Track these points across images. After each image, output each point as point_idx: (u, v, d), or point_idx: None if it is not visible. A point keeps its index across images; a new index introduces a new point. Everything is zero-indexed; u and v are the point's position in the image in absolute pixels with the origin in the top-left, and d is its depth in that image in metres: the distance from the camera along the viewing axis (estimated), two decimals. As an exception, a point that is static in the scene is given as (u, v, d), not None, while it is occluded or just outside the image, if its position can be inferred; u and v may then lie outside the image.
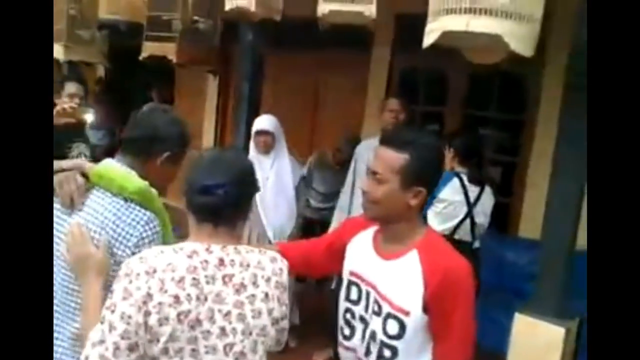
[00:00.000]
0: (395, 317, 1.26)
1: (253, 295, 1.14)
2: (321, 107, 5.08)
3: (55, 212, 1.35)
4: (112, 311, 1.05)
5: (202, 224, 1.15)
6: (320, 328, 3.13)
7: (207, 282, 1.09)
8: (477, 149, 2.88)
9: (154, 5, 3.17)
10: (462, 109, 4.20)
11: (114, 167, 1.35)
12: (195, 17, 3.04)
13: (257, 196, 2.94)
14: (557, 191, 2.13)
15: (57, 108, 2.34)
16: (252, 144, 3.08)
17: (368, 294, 1.34)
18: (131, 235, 1.27)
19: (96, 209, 1.30)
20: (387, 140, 1.32)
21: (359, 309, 1.37)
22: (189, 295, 1.06)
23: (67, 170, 1.37)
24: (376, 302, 1.31)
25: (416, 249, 1.27)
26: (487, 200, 2.79)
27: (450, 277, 1.23)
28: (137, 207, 1.30)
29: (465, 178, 2.74)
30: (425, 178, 1.28)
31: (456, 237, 2.70)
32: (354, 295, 1.39)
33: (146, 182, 1.34)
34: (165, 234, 1.38)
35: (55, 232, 1.34)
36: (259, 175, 3.02)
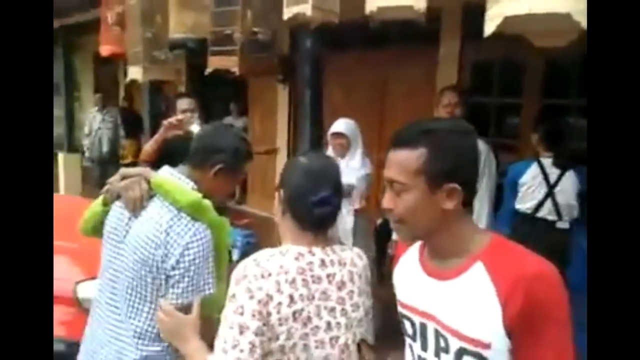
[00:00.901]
0: (472, 353, 0.98)
1: (351, 291, 1.23)
2: (389, 105, 5.00)
3: (118, 215, 1.43)
4: (241, 313, 1.09)
5: (305, 229, 1.21)
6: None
7: (314, 282, 1.17)
8: (562, 135, 3.04)
9: (217, 20, 3.29)
10: (541, 99, 3.93)
11: (171, 178, 1.42)
12: (255, 29, 3.11)
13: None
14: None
15: (165, 122, 2.46)
16: (329, 146, 3.14)
17: (424, 327, 1.09)
18: (178, 244, 1.33)
19: (153, 216, 1.37)
20: (397, 139, 1.05)
21: (416, 349, 1.13)
22: (300, 294, 1.14)
23: (133, 176, 1.45)
24: (439, 336, 1.05)
25: (481, 261, 0.99)
26: (569, 184, 2.92)
27: (534, 287, 0.93)
28: (188, 218, 1.35)
29: (548, 162, 2.97)
30: (455, 170, 1.00)
31: (538, 215, 2.96)
32: (408, 331, 1.16)
33: (199, 195, 1.39)
34: (219, 243, 1.42)
35: (117, 235, 1.42)
36: None
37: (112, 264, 1.47)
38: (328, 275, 1.19)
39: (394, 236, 3.33)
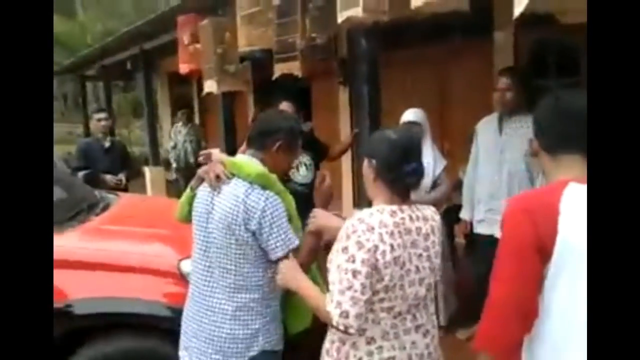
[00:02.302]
0: None
1: (434, 241, 1.51)
2: (447, 99, 5.12)
3: (203, 196, 1.79)
4: (353, 261, 1.37)
5: (396, 193, 1.48)
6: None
7: (406, 234, 1.44)
8: None
9: (280, 31, 3.61)
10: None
11: (242, 158, 1.74)
12: (313, 35, 3.40)
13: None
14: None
15: None
16: None
17: None
18: (256, 208, 1.65)
19: (231, 191, 1.70)
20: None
21: None
22: (398, 244, 1.41)
23: (211, 164, 1.80)
24: None
25: None
26: None
27: None
28: (259, 189, 1.66)
29: None
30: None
31: None
32: None
33: (265, 169, 1.69)
34: (288, 204, 1.73)
35: (204, 212, 1.77)
36: None
37: (203, 238, 1.80)
38: (416, 228, 1.46)
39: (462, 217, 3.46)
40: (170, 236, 2.58)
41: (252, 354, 1.72)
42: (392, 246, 1.39)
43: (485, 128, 3.15)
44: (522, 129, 2.93)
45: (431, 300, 1.54)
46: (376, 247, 1.37)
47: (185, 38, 4.81)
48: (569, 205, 1.20)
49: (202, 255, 1.81)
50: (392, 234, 1.40)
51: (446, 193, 3.24)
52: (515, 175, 2.92)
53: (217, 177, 1.75)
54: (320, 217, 1.65)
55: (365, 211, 1.46)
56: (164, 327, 2.16)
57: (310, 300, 1.51)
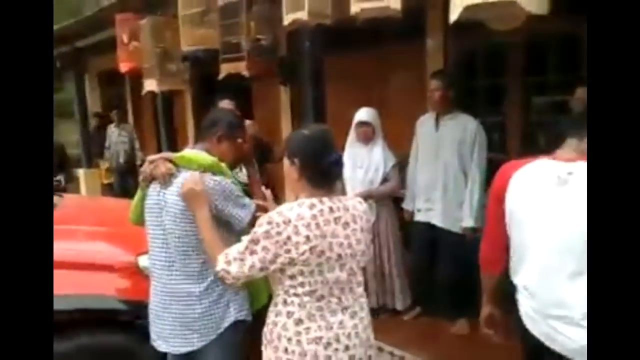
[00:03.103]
0: None
1: (354, 230, 1.60)
2: (386, 100, 5.37)
3: (154, 193, 1.87)
4: (256, 243, 1.53)
5: (319, 187, 1.59)
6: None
7: (325, 224, 1.54)
8: None
9: (225, 32, 3.69)
10: (522, 78, 4.31)
11: (192, 152, 1.88)
12: (259, 36, 3.52)
13: (348, 184, 3.31)
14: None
15: None
16: (351, 134, 3.40)
17: None
18: (213, 191, 1.77)
19: (182, 181, 1.80)
20: None
21: None
22: (315, 235, 1.51)
23: (157, 160, 1.88)
24: None
25: None
26: None
27: None
28: (210, 174, 1.80)
29: None
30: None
31: None
32: None
33: (215, 159, 1.84)
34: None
35: (157, 208, 1.86)
36: (352, 163, 3.32)
37: (160, 232, 1.88)
38: (335, 219, 1.57)
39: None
40: (123, 233, 2.59)
41: (226, 324, 1.83)
42: (307, 237, 1.50)
43: (423, 125, 3.40)
44: (455, 126, 3.19)
45: (358, 284, 1.64)
46: (289, 238, 1.49)
47: (124, 36, 4.75)
48: (522, 171, 1.63)
49: (162, 249, 1.88)
50: (308, 225, 1.51)
51: (394, 188, 3.42)
52: (449, 167, 3.17)
53: (165, 172, 1.84)
54: (189, 181, 1.76)
55: (286, 205, 1.57)
56: (124, 321, 2.19)
57: (207, 236, 1.69)
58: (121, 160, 7.12)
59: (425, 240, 3.34)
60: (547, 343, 1.56)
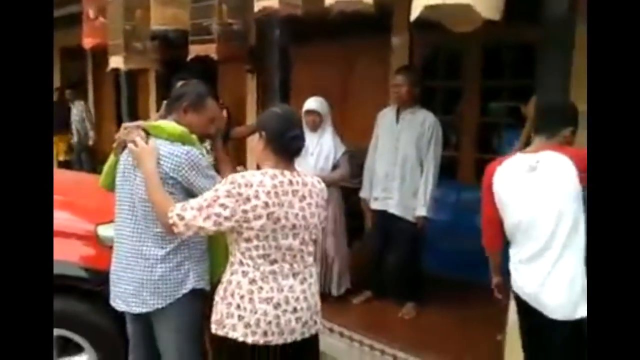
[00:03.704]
0: None
1: (310, 204, 1.74)
2: (350, 91, 5.52)
3: (125, 160, 1.95)
4: (215, 199, 1.63)
5: (281, 159, 1.72)
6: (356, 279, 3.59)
7: (284, 194, 1.67)
8: None
9: (195, 14, 3.71)
10: (479, 81, 4.54)
11: (162, 122, 1.95)
12: (230, 20, 3.57)
13: (299, 168, 3.40)
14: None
15: None
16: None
17: None
18: (180, 161, 1.85)
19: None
20: None
21: None
22: (273, 202, 1.64)
23: (130, 127, 1.95)
24: None
25: None
26: None
27: None
28: (179, 144, 1.88)
29: None
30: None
31: None
32: None
33: (184, 128, 1.91)
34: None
35: (129, 175, 1.93)
36: (306, 150, 3.40)
37: (129, 196, 1.95)
38: (293, 191, 1.71)
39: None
40: (85, 204, 2.63)
41: (184, 291, 1.91)
42: (266, 203, 1.63)
43: (384, 118, 3.55)
44: (414, 120, 3.35)
45: (308, 254, 1.77)
46: (248, 199, 1.62)
47: (91, 11, 4.67)
48: (504, 164, 2.03)
49: (128, 209, 1.95)
50: (268, 193, 1.64)
51: (344, 175, 3.54)
52: (408, 158, 3.33)
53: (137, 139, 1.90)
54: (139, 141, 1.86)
55: (250, 171, 1.71)
56: (82, 288, 2.23)
57: (158, 193, 1.76)
58: (74, 138, 7.34)
59: (380, 228, 3.49)
60: (532, 303, 1.96)
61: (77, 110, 7.45)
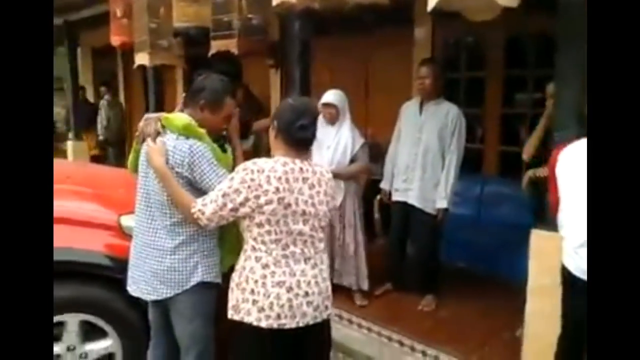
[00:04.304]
0: None
1: (318, 192, 1.78)
2: (372, 83, 5.51)
3: (146, 149, 1.97)
4: (229, 187, 1.71)
5: (290, 148, 1.77)
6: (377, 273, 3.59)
7: (294, 181, 1.73)
8: None
9: (216, 9, 3.78)
10: (503, 71, 4.46)
11: (174, 115, 1.98)
12: (250, 15, 3.62)
13: (316, 161, 3.39)
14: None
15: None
16: (320, 116, 3.48)
17: None
18: (183, 156, 1.88)
19: (164, 142, 1.92)
20: None
21: None
22: (284, 188, 1.70)
23: (151, 119, 2.01)
24: None
25: None
26: None
27: None
28: (183, 138, 1.90)
29: None
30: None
31: None
32: None
33: (191, 120, 1.93)
34: (214, 151, 1.96)
35: (147, 165, 1.97)
36: (321, 143, 3.42)
37: (144, 186, 2.01)
38: (304, 179, 1.75)
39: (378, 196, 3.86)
40: (109, 195, 2.72)
41: (192, 283, 1.95)
42: (277, 188, 1.68)
43: (408, 110, 3.53)
44: (438, 111, 3.33)
45: (319, 240, 1.80)
46: (260, 185, 1.67)
47: (118, 10, 4.80)
48: (566, 149, 2.04)
49: (144, 201, 2.01)
50: (279, 178, 1.69)
51: (361, 169, 3.49)
52: (429, 150, 3.30)
53: (154, 130, 1.96)
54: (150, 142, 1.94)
55: (263, 159, 1.76)
56: (106, 275, 2.31)
57: (175, 191, 1.85)
58: (101, 135, 7.61)
59: (401, 219, 3.48)
60: (577, 273, 1.95)
61: (110, 106, 7.73)
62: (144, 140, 2.02)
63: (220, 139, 2.10)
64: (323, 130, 3.42)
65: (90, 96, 9.05)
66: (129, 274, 2.05)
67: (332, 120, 3.43)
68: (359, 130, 3.56)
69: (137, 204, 2.04)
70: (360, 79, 5.55)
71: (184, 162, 1.87)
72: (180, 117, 1.96)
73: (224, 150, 2.07)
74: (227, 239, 2.07)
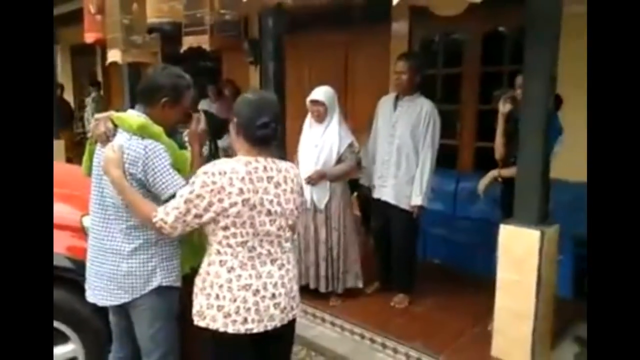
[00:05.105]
0: None
1: (285, 190, 1.73)
2: (350, 78, 5.48)
3: (98, 151, 1.92)
4: (191, 192, 1.63)
5: (253, 147, 1.71)
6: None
7: (258, 181, 1.66)
8: None
9: (189, 5, 3.72)
10: (479, 67, 4.46)
11: (128, 114, 1.90)
12: (223, 11, 3.56)
13: (302, 161, 3.35)
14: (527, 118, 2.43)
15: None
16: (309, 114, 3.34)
17: None
18: (137, 158, 1.81)
19: (116, 143, 1.86)
20: None
21: None
22: (248, 189, 1.63)
23: (101, 119, 1.93)
24: None
25: None
26: None
27: None
28: (138, 139, 1.84)
29: None
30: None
31: None
32: None
33: (145, 119, 1.86)
34: (172, 152, 1.90)
35: (98, 162, 1.91)
36: (308, 142, 3.31)
37: (98, 188, 1.94)
38: (268, 177, 1.69)
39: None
40: (71, 195, 2.65)
41: (150, 288, 1.90)
42: (240, 189, 1.62)
43: (383, 105, 3.49)
44: (411, 107, 3.30)
45: (286, 240, 1.76)
46: (223, 188, 1.61)
47: (91, 7, 4.70)
48: None
49: (99, 204, 1.95)
50: (242, 179, 1.62)
51: (347, 170, 3.37)
52: (403, 146, 3.27)
53: (104, 131, 1.89)
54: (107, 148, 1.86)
55: (223, 159, 1.69)
56: (66, 278, 2.26)
57: (133, 200, 1.78)
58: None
59: (380, 216, 3.44)
60: None
61: (89, 105, 7.77)
62: (96, 141, 1.96)
63: (175, 134, 2.03)
64: (310, 129, 3.37)
65: (69, 94, 8.93)
66: (87, 278, 2.00)
67: (320, 118, 3.30)
68: (348, 127, 3.44)
69: (91, 207, 1.99)
70: (339, 74, 5.52)
71: (138, 163, 1.81)
72: (133, 117, 1.88)
73: (181, 147, 2.02)
74: (188, 240, 2.02)
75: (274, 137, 1.76)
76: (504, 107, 3.00)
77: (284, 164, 1.78)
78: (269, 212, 1.68)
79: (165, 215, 1.66)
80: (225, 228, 1.65)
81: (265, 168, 1.70)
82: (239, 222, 1.64)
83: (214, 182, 1.61)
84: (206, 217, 1.64)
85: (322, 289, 3.29)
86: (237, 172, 1.64)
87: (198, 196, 1.61)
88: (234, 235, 1.65)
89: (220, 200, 1.61)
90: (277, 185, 1.71)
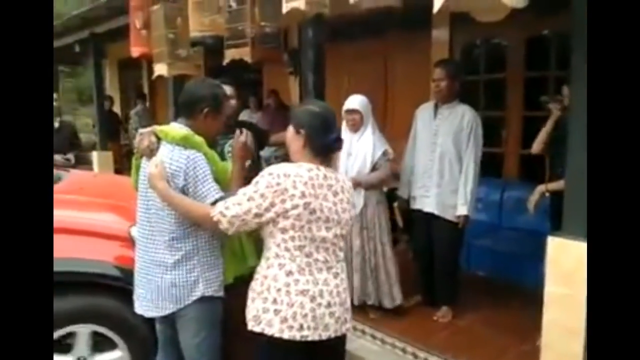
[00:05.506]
0: None
1: (342, 199, 1.78)
2: (390, 86, 5.45)
3: (144, 164, 1.97)
4: (255, 191, 1.67)
5: (316, 156, 1.76)
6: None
7: (319, 187, 1.71)
8: None
9: (231, 19, 3.80)
10: (523, 72, 4.34)
11: (171, 126, 1.96)
12: (263, 23, 3.62)
13: (340, 171, 3.32)
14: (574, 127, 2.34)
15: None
16: (343, 123, 3.32)
17: None
18: (180, 169, 1.87)
19: (159, 155, 1.92)
20: None
21: None
22: (310, 193, 1.68)
23: (144, 133, 2.00)
24: None
25: None
26: None
27: None
28: (181, 149, 1.89)
29: None
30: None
31: None
32: None
33: (188, 130, 1.91)
34: (214, 162, 1.95)
35: (143, 175, 1.97)
36: (342, 150, 3.33)
37: (144, 201, 2.01)
38: (328, 185, 1.74)
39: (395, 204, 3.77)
40: (120, 205, 2.75)
41: (193, 298, 1.94)
42: (303, 193, 1.65)
43: (422, 113, 3.45)
44: (453, 114, 3.24)
45: (340, 249, 1.79)
46: (286, 189, 1.64)
47: (137, 22, 4.88)
48: None
49: (145, 217, 2.01)
50: (305, 183, 1.67)
51: (382, 178, 3.31)
52: (445, 155, 3.21)
53: (147, 145, 1.96)
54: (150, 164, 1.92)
55: (286, 164, 1.74)
56: (115, 286, 2.33)
57: (184, 206, 1.83)
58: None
59: (423, 228, 3.36)
60: None
61: (137, 116, 8.11)
62: (141, 155, 2.02)
63: (215, 145, 2.08)
64: (346, 137, 3.32)
65: (117, 107, 9.29)
66: (135, 287, 2.06)
67: (356, 126, 3.28)
68: (382, 135, 3.40)
69: (138, 220, 2.05)
70: (378, 83, 5.50)
71: (180, 173, 1.87)
72: (176, 129, 1.95)
73: (223, 158, 2.06)
74: (230, 249, 2.05)
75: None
76: (556, 110, 2.91)
77: (340, 175, 1.84)
78: (327, 219, 1.71)
79: (225, 209, 1.70)
80: (284, 230, 1.68)
81: (325, 176, 1.74)
82: (297, 225, 1.67)
83: (278, 184, 1.65)
84: (266, 217, 1.67)
85: (356, 302, 3.19)
86: (301, 176, 1.68)
87: (261, 195, 1.65)
88: (292, 238, 1.68)
89: (283, 202, 1.65)
90: (335, 194, 1.76)
